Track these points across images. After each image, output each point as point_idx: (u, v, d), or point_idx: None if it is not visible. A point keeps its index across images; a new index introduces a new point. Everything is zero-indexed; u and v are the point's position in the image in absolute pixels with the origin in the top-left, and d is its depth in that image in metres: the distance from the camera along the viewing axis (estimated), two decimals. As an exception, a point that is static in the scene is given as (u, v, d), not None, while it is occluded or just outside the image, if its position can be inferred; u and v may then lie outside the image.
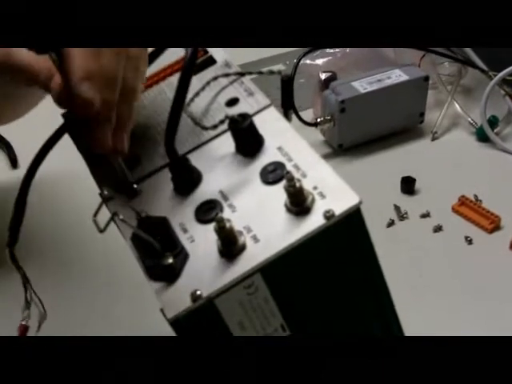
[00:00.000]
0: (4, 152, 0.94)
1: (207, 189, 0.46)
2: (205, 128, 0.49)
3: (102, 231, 0.41)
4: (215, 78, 0.52)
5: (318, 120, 0.88)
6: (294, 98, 0.84)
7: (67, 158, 0.60)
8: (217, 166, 0.47)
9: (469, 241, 0.76)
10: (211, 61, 0.54)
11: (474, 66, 0.98)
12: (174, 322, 0.40)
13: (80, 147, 0.52)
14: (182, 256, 0.42)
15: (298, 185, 0.41)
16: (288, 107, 0.81)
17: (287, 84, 0.81)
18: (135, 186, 0.48)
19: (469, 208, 0.79)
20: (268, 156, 0.46)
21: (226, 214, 0.44)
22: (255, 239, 0.42)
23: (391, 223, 0.78)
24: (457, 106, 0.95)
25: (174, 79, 0.53)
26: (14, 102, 0.65)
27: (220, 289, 0.40)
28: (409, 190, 0.83)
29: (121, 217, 0.42)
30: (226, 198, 0.45)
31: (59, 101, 0.46)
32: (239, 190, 0.45)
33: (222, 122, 0.47)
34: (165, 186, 0.47)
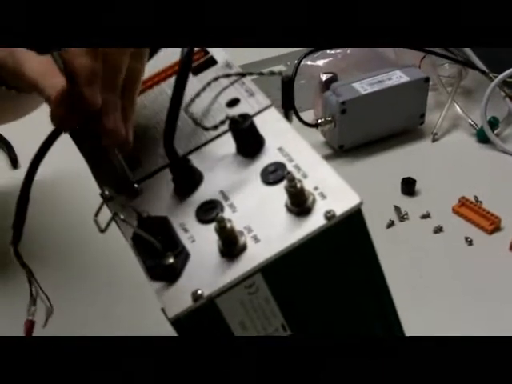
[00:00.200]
0: (4, 152, 0.94)
1: (208, 189, 0.46)
2: (205, 128, 0.49)
3: (103, 231, 0.41)
4: (216, 79, 0.52)
5: (319, 121, 0.88)
6: (295, 99, 0.84)
7: (68, 157, 0.60)
8: (217, 166, 0.47)
9: (469, 242, 0.76)
10: (212, 61, 0.54)
11: (474, 67, 0.98)
12: (175, 322, 0.40)
13: (81, 146, 0.52)
14: (182, 256, 0.42)
15: (298, 185, 0.41)
16: (288, 108, 0.82)
17: (288, 85, 0.81)
18: (136, 185, 0.48)
19: (469, 209, 0.79)
20: (269, 156, 0.46)
21: (227, 214, 0.44)
22: (256, 239, 0.42)
23: (391, 224, 0.79)
24: (457, 107, 0.95)
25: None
26: (15, 104, 0.66)
27: (221, 288, 0.41)
28: (409, 191, 0.83)
29: (122, 217, 0.42)
30: (226, 198, 0.45)
31: (55, 121, 0.48)
32: (240, 190, 0.45)
33: (222, 122, 0.47)
34: (166, 187, 0.47)
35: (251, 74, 0.52)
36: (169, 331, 0.42)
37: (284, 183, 0.42)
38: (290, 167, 0.44)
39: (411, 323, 0.51)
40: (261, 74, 0.52)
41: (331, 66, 0.97)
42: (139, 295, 0.59)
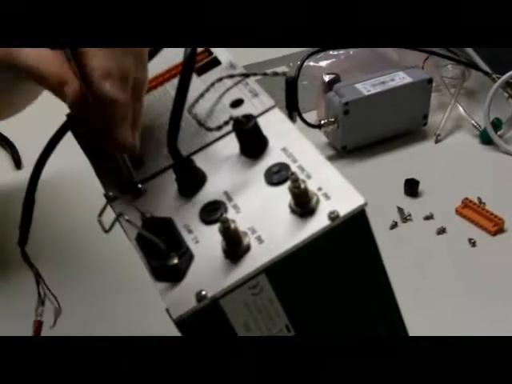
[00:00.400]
0: (8, 153, 0.94)
1: (212, 190, 0.46)
2: (209, 129, 0.49)
3: (107, 231, 0.41)
4: (220, 79, 0.52)
5: (322, 122, 0.88)
6: (298, 99, 0.84)
7: (71, 158, 0.60)
8: (221, 167, 0.47)
9: (472, 243, 0.76)
10: (216, 62, 0.54)
11: (477, 68, 0.98)
12: (180, 323, 0.40)
13: (84, 147, 0.52)
14: (186, 256, 0.42)
15: (302, 186, 0.41)
16: (292, 108, 0.82)
17: (292, 85, 0.81)
18: (140, 186, 0.48)
19: (472, 210, 0.79)
20: (272, 157, 0.46)
21: (231, 214, 0.44)
22: (260, 240, 0.42)
23: (394, 225, 0.78)
24: (460, 108, 0.95)
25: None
26: (12, 96, 0.65)
27: (225, 289, 0.40)
28: (412, 192, 0.83)
29: (126, 217, 0.42)
30: (230, 198, 0.45)
31: (76, 105, 0.46)
32: (244, 190, 0.45)
33: (226, 123, 0.47)
34: (169, 187, 0.47)
35: (255, 74, 0.52)
36: (172, 332, 0.42)
37: (288, 184, 0.42)
38: (293, 168, 0.44)
39: (414, 324, 0.51)
40: (264, 74, 0.52)
41: (334, 66, 0.97)
42: (143, 296, 0.60)
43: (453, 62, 0.99)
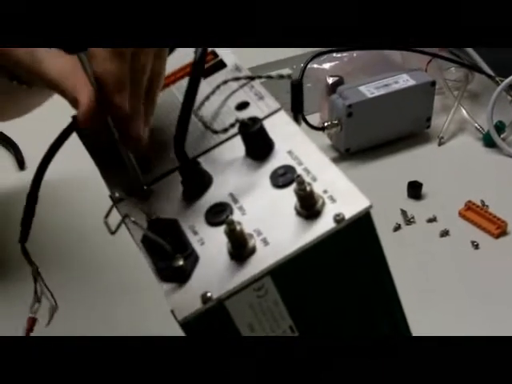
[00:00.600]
0: (11, 153, 0.95)
1: (217, 192, 0.46)
2: (215, 131, 0.49)
3: (113, 233, 0.41)
4: (225, 82, 0.52)
5: (325, 124, 0.88)
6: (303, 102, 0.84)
7: (76, 159, 0.61)
8: (227, 169, 0.47)
9: (475, 246, 0.76)
10: (221, 64, 0.54)
11: (480, 71, 0.98)
12: (185, 324, 0.40)
13: (89, 148, 0.52)
14: (192, 258, 0.43)
15: (308, 188, 0.41)
16: (298, 111, 0.82)
17: (297, 88, 0.81)
18: (145, 187, 0.48)
19: (475, 213, 0.79)
20: (278, 159, 0.46)
21: (236, 216, 0.44)
22: (265, 242, 0.42)
23: (398, 227, 0.79)
24: (463, 111, 0.96)
25: (185, 82, 0.53)
26: (23, 98, 0.65)
27: (230, 291, 0.41)
28: (415, 195, 0.83)
29: (132, 219, 0.42)
30: (236, 200, 0.45)
31: (85, 124, 0.47)
32: (249, 193, 0.45)
33: (232, 125, 0.48)
34: (175, 189, 0.47)
35: (260, 77, 0.52)
36: (175, 333, 0.42)
37: (293, 186, 0.42)
38: (299, 170, 0.44)
39: (418, 325, 0.51)
40: (270, 77, 0.52)
41: (337, 69, 0.97)
42: (148, 297, 0.60)
43: (456, 65, 1.00)
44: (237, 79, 0.52)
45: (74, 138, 0.53)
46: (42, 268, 0.57)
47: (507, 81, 0.89)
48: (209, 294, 0.41)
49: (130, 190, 0.48)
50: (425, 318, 0.63)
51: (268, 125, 0.47)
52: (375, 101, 0.87)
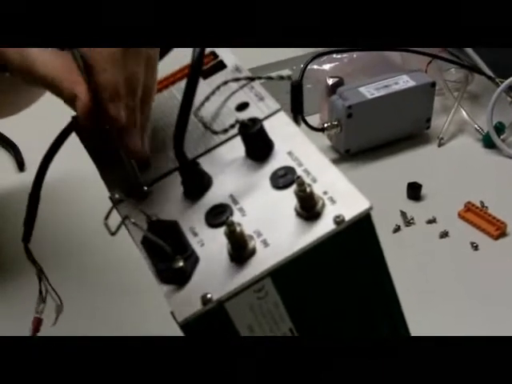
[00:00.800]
0: (11, 155, 0.94)
1: (217, 193, 0.46)
2: (215, 132, 0.49)
3: (113, 234, 0.41)
4: (225, 83, 0.52)
5: (325, 125, 0.88)
6: (303, 103, 0.84)
7: (76, 159, 0.60)
8: (227, 170, 0.47)
9: (475, 247, 0.76)
10: (221, 65, 0.54)
11: (480, 72, 0.98)
12: (185, 325, 0.40)
13: (89, 148, 0.52)
14: (192, 259, 0.42)
15: (308, 189, 0.41)
16: (297, 112, 0.82)
17: (297, 89, 0.81)
18: (145, 188, 0.48)
19: (475, 214, 0.79)
20: (278, 160, 0.46)
21: (236, 218, 0.44)
22: (265, 243, 0.42)
23: (397, 229, 0.79)
24: (463, 112, 0.96)
25: (184, 83, 0.53)
26: (14, 96, 0.65)
27: (230, 292, 0.41)
28: (415, 196, 0.83)
29: (132, 220, 0.42)
30: (236, 202, 0.45)
31: (85, 120, 0.47)
32: (249, 194, 0.45)
33: (232, 126, 0.47)
34: (175, 190, 0.47)
35: (260, 78, 0.52)
36: (174, 333, 0.42)
37: (293, 187, 0.42)
38: (299, 171, 0.44)
39: (417, 327, 0.51)
40: (270, 78, 0.52)
41: (337, 70, 0.97)
42: (148, 298, 0.60)
43: (456, 66, 1.00)
44: (237, 80, 0.52)
45: (73, 139, 0.53)
46: (44, 268, 0.57)
47: (507, 82, 0.89)
48: (209, 296, 0.40)
49: (129, 191, 0.48)
50: (424, 319, 0.63)
51: (268, 126, 0.47)
52: (375, 102, 0.87)
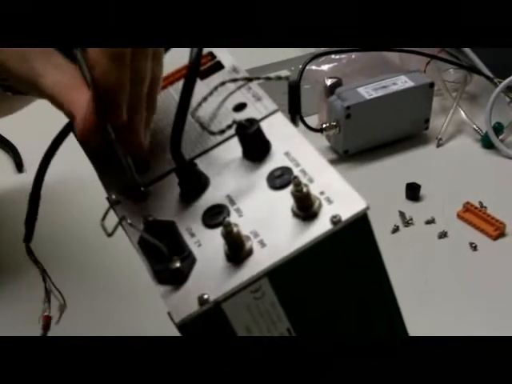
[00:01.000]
0: (10, 156, 0.94)
1: (214, 193, 0.46)
2: (212, 133, 0.49)
3: (110, 235, 0.41)
4: (223, 83, 0.52)
5: (324, 126, 0.88)
6: (301, 104, 0.84)
7: (73, 160, 0.60)
8: (224, 170, 0.47)
9: (473, 247, 0.76)
10: (219, 66, 0.54)
11: (479, 72, 0.98)
12: (182, 326, 0.40)
13: (86, 149, 0.52)
14: (189, 260, 0.42)
15: (305, 190, 0.41)
16: (295, 112, 0.82)
17: (295, 89, 0.81)
18: (142, 189, 0.48)
19: (474, 214, 0.79)
20: (275, 161, 0.46)
21: (233, 218, 0.44)
22: (262, 244, 0.42)
23: (396, 229, 0.79)
24: (462, 112, 0.95)
25: (182, 84, 0.53)
26: (7, 103, 0.66)
27: (227, 293, 0.41)
28: (414, 197, 0.83)
29: (129, 221, 0.42)
30: (233, 202, 0.45)
31: (83, 139, 0.47)
32: (246, 194, 0.45)
33: (229, 126, 0.47)
34: (172, 191, 0.47)
35: (258, 78, 0.52)
36: (172, 334, 0.42)
37: (290, 188, 0.42)
38: (296, 172, 0.44)
39: (416, 327, 0.51)
40: (268, 78, 0.52)
41: (336, 70, 0.97)
42: (145, 299, 0.60)
43: (454, 66, 1.00)
44: (234, 80, 0.52)
45: (72, 140, 0.53)
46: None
47: (505, 82, 0.89)
48: (206, 296, 0.40)
49: (127, 191, 0.48)
50: (423, 319, 0.63)
51: (265, 126, 0.47)
52: (373, 102, 0.87)
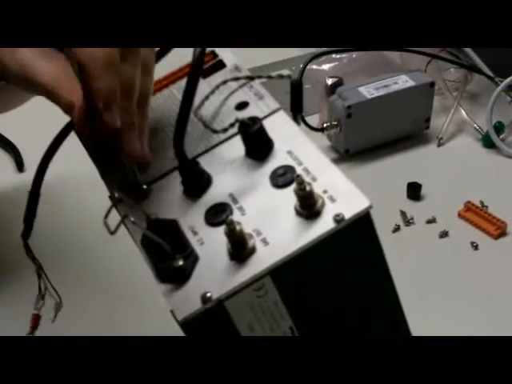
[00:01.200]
0: (10, 155, 0.94)
1: (217, 192, 0.46)
2: (215, 131, 0.49)
3: (112, 233, 0.41)
4: (225, 82, 0.52)
5: (325, 125, 0.88)
6: (303, 102, 0.84)
7: (75, 159, 0.60)
8: (227, 169, 0.47)
9: (475, 246, 0.76)
10: (221, 65, 0.54)
11: (480, 72, 0.98)
12: (185, 324, 0.40)
13: (88, 148, 0.52)
14: (191, 258, 0.42)
15: (308, 188, 0.41)
16: (297, 111, 0.82)
17: (297, 88, 0.81)
18: (145, 187, 0.48)
19: (475, 214, 0.79)
20: (278, 159, 0.46)
21: (236, 216, 0.44)
22: (265, 242, 0.42)
23: (397, 229, 0.79)
24: (463, 111, 0.95)
25: (184, 83, 0.53)
26: (7, 95, 0.65)
27: (230, 291, 0.41)
28: (415, 196, 0.83)
29: (131, 219, 0.42)
30: (235, 201, 0.45)
31: (81, 127, 0.47)
32: (249, 193, 0.45)
33: (232, 125, 0.47)
34: (175, 189, 0.47)
35: (260, 77, 0.52)
36: (174, 333, 0.42)
37: (293, 186, 0.42)
38: (299, 170, 0.44)
39: (417, 327, 0.51)
40: (270, 77, 0.52)
41: (337, 70, 0.97)
42: (147, 297, 0.60)
43: (455, 66, 1.00)
44: (236, 79, 0.52)
45: (73, 138, 0.53)
46: (43, 267, 0.57)
47: (506, 81, 0.89)
48: (208, 295, 0.40)
49: (129, 190, 0.48)
50: (424, 318, 0.63)
51: (268, 125, 0.47)
52: (374, 102, 0.87)
